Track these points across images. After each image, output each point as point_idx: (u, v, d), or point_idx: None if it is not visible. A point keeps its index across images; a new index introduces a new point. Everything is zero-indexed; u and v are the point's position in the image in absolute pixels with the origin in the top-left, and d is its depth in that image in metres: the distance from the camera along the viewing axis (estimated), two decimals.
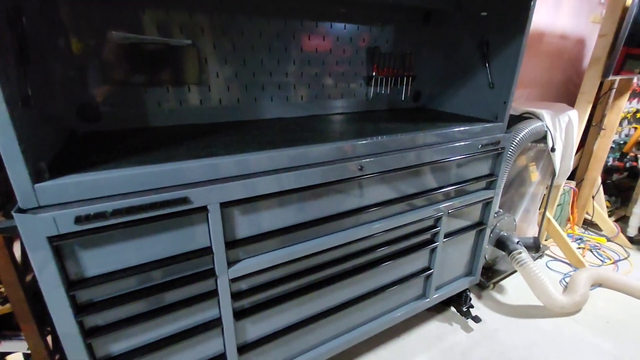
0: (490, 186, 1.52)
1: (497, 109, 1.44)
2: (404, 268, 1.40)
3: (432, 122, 1.38)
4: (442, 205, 1.35)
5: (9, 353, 1.05)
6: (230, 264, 0.95)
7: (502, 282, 2.06)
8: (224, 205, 0.87)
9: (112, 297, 0.83)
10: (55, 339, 1.11)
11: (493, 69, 1.44)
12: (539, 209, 2.27)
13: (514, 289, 2.02)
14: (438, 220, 1.38)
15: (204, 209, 0.85)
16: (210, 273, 0.92)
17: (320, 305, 1.21)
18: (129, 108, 1.13)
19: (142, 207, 0.77)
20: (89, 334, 0.82)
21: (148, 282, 0.86)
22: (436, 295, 1.55)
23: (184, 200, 0.81)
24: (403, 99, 1.67)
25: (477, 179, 1.45)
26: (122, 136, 1.06)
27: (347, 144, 1.04)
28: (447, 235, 1.44)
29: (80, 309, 0.79)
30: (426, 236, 1.39)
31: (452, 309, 1.81)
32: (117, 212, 0.75)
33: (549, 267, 2.25)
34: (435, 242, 1.41)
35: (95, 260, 0.79)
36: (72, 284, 0.77)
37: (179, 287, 0.89)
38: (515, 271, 2.04)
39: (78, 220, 0.71)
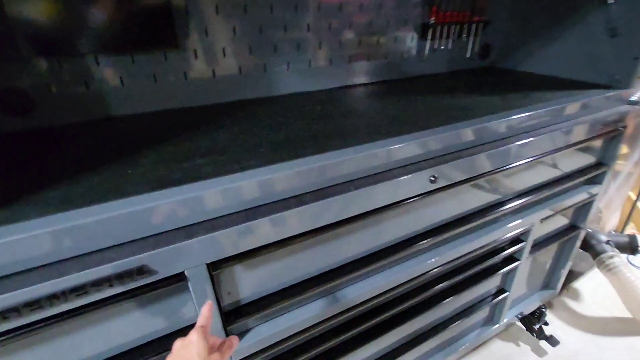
0: (596, 180, 1.09)
1: (618, 68, 0.97)
2: (469, 296, 1.04)
3: (521, 92, 0.94)
4: (534, 215, 0.95)
5: None
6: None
7: (575, 284, 1.68)
8: (214, 266, 0.52)
9: None
10: None
11: (618, 6, 0.95)
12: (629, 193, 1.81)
13: (592, 293, 1.63)
14: (525, 233, 0.99)
15: (178, 278, 0.49)
16: None
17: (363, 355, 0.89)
18: (74, 89, 0.75)
19: (73, 290, 0.43)
20: None
21: None
22: (506, 320, 1.21)
23: (141, 270, 0.46)
24: (468, 55, 1.20)
25: (582, 172, 1.02)
26: (61, 137, 0.70)
27: (411, 143, 0.64)
28: (532, 250, 1.06)
29: None
30: (504, 256, 1.01)
31: (519, 323, 1.46)
32: (29, 305, 0.41)
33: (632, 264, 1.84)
34: (517, 261, 1.03)
35: None
36: None
37: None
38: (591, 270, 1.65)
39: None
